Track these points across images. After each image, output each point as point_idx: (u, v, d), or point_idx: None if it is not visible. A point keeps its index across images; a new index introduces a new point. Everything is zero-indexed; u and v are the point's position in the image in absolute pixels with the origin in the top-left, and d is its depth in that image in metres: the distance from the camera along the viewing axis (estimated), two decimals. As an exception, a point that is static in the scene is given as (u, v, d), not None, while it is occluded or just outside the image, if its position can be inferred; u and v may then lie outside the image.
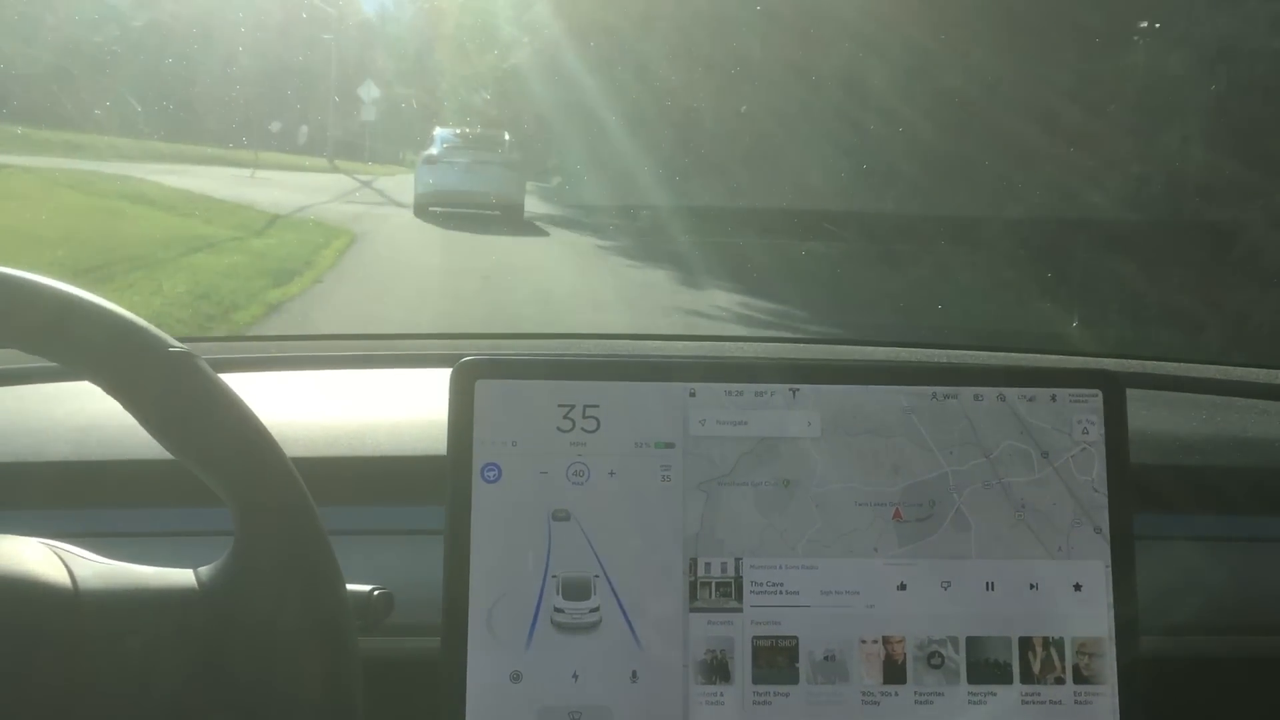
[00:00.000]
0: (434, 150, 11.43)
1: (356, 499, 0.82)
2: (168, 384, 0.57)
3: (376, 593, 0.64)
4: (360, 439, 0.90)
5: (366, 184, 13.66)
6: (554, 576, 0.68)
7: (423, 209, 10.87)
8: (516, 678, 0.67)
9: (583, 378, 0.70)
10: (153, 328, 0.57)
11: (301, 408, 0.96)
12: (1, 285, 0.55)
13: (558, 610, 0.68)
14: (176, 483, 0.82)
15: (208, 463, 0.57)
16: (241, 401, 0.58)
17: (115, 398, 0.57)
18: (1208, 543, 0.91)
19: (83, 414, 0.94)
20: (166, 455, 0.82)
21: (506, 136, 11.95)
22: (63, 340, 0.56)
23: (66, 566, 0.57)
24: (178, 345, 0.57)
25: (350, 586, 0.59)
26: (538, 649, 0.67)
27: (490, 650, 0.67)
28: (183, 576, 0.59)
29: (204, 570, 0.59)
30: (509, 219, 10.60)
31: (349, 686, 0.58)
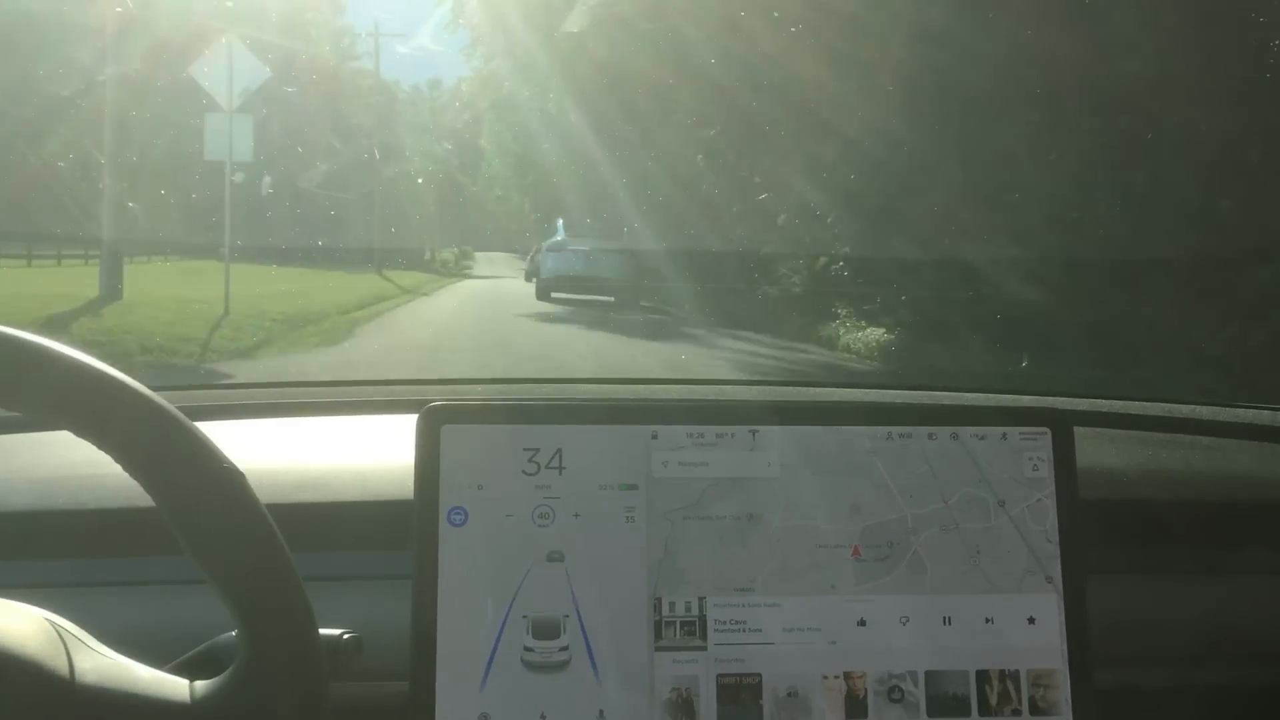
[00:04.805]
0: (559, 237, 11.66)
1: (325, 545, 0.82)
2: (211, 502, 0.56)
3: (346, 636, 0.65)
4: (328, 485, 0.91)
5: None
6: (524, 617, 0.69)
7: (545, 293, 10.92)
8: (485, 719, 0.68)
9: (547, 421, 0.72)
10: (210, 441, 0.57)
11: (270, 454, 0.96)
12: (52, 364, 0.55)
13: (528, 650, 0.69)
14: (139, 533, 0.82)
15: (229, 583, 0.57)
16: (274, 528, 0.58)
17: (151, 495, 0.56)
18: (1156, 575, 0.94)
19: (44, 465, 0.94)
20: (127, 505, 0.83)
21: (625, 229, 12.02)
22: (110, 435, 0.56)
23: (68, 653, 0.57)
24: (229, 462, 0.57)
25: (321, 631, 0.60)
26: (506, 689, 0.68)
27: (459, 692, 0.68)
28: (177, 689, 0.58)
29: (200, 686, 0.59)
30: (626, 305, 10.46)
31: None
